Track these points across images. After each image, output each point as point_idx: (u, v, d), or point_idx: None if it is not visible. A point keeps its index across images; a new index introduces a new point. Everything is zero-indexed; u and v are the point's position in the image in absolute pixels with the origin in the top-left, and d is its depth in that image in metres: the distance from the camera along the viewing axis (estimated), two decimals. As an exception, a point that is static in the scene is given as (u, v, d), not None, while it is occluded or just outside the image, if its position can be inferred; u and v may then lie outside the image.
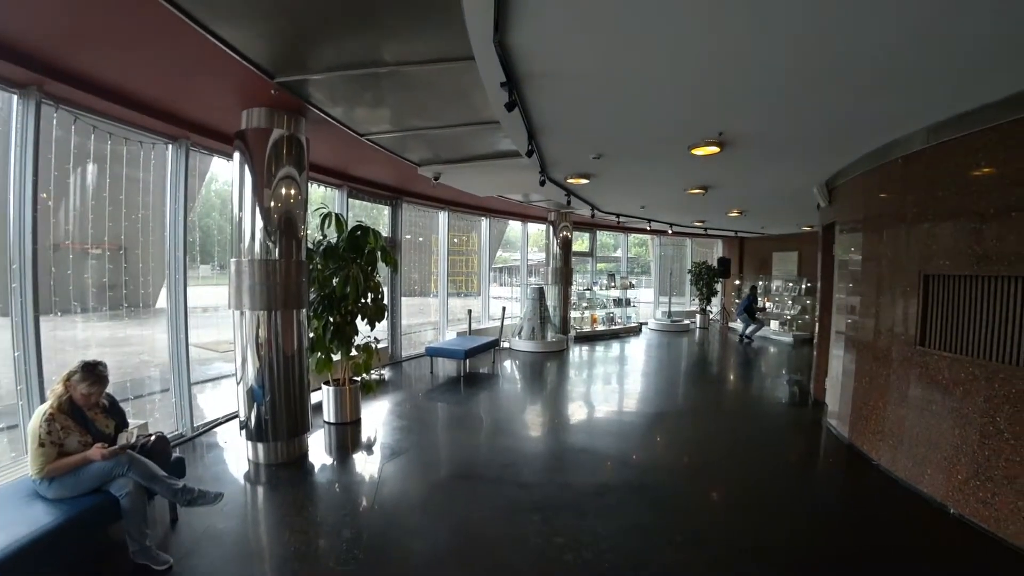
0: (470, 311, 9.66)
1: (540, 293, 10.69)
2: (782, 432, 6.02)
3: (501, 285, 15.24)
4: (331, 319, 5.18)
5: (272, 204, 4.22)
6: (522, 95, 3.53)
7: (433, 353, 8.00)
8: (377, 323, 5.62)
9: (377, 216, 8.76)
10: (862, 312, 5.25)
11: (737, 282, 15.26)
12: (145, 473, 2.93)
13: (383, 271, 6.54)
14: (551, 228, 11.52)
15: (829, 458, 5.16)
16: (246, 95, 3.96)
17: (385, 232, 8.17)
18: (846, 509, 4.10)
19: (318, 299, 5.12)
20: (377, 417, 5.74)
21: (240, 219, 4.24)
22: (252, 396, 4.30)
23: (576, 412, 6.35)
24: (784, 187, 6.94)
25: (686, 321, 14.61)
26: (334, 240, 5.30)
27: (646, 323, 14.72)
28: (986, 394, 3.69)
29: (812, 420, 6.28)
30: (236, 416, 4.68)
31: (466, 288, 12.28)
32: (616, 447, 5.11)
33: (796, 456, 5.29)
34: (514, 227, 12.93)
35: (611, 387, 7.88)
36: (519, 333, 10.71)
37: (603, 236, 15.89)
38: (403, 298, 8.77)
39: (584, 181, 6.49)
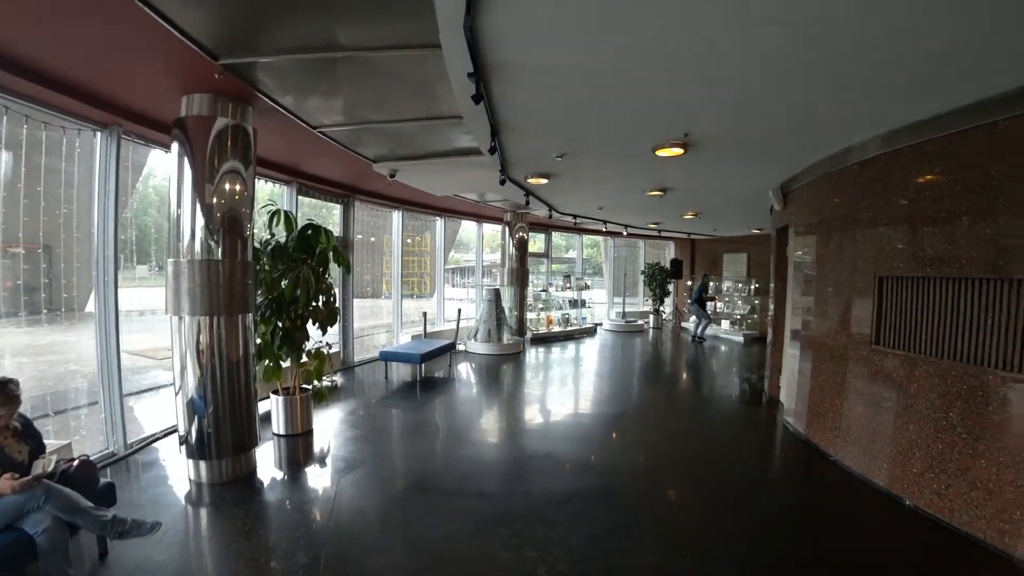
0: (425, 314, 9.38)
1: (496, 295, 10.53)
2: (740, 430, 6.12)
3: (453, 286, 14.97)
4: (280, 324, 4.83)
5: (215, 200, 3.86)
6: (488, 88, 3.36)
7: (387, 357, 7.69)
8: (329, 327, 5.30)
9: (327, 215, 8.36)
10: (817, 312, 5.39)
11: (689, 283, 15.60)
12: (66, 506, 2.55)
13: (335, 272, 6.23)
14: (507, 229, 11.38)
15: (788, 455, 5.26)
16: (187, 78, 3.58)
17: (337, 232, 7.79)
18: (808, 504, 4.17)
19: (266, 302, 4.77)
20: (330, 427, 5.41)
21: (179, 216, 3.84)
22: (193, 409, 3.91)
23: (535, 416, 6.22)
24: (741, 190, 7.08)
25: (640, 322, 14.82)
26: (283, 239, 4.96)
27: (601, 324, 14.83)
28: (940, 390, 3.82)
29: (769, 418, 6.42)
30: (175, 431, 4.27)
31: (419, 289, 11.98)
32: (578, 451, 5.02)
33: (756, 454, 5.37)
34: (467, 227, 12.74)
35: (569, 389, 7.81)
36: (475, 335, 10.52)
37: (556, 237, 15.93)
38: (355, 300, 8.40)
39: (544, 181, 6.39)
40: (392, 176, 6.02)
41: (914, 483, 3.98)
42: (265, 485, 4.06)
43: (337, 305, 5.51)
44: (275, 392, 5.11)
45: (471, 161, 5.63)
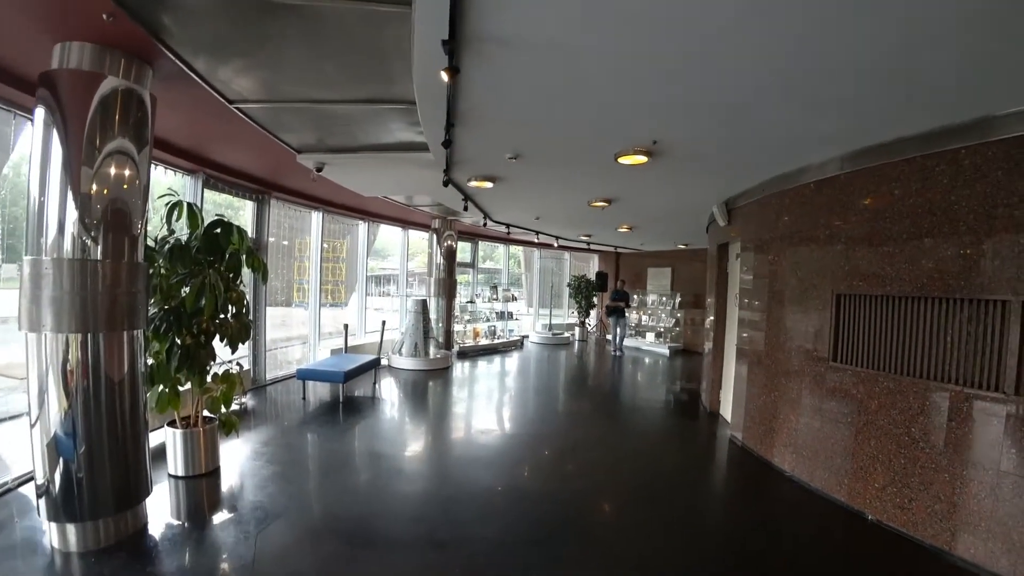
0: (346, 326, 8.53)
1: (423, 306, 9.86)
2: (688, 448, 6.00)
3: (368, 295, 13.87)
4: (179, 340, 3.94)
5: (95, 188, 2.97)
6: (459, 63, 2.84)
7: (306, 376, 6.79)
8: (241, 344, 4.45)
9: (233, 216, 7.29)
10: (769, 329, 5.39)
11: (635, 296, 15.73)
12: None
13: (247, 278, 5.33)
14: (435, 236, 10.76)
15: (741, 471, 5.15)
16: (62, 18, 2.73)
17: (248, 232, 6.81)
18: (768, 521, 4.07)
19: (161, 314, 3.86)
20: (242, 463, 4.51)
21: (41, 204, 2.92)
22: (56, 449, 2.98)
23: (477, 441, 5.67)
24: (685, 204, 7.03)
25: (567, 334, 14.69)
26: (185, 238, 4.09)
27: (527, 336, 14.52)
28: (901, 406, 3.86)
29: (712, 432, 6.39)
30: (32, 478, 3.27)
31: (332, 298, 11.02)
32: (532, 481, 4.58)
33: (709, 472, 5.25)
34: (385, 233, 11.89)
35: (507, 410, 7.33)
36: (400, 349, 9.76)
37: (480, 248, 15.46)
38: (267, 310, 7.42)
39: (489, 185, 5.91)
40: (319, 170, 5.25)
41: (876, 498, 3.99)
42: (159, 549, 3.15)
43: (250, 317, 4.67)
44: (171, 424, 4.18)
45: (413, 158, 5.04)
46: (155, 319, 3.80)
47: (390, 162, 5.20)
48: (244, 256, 4.33)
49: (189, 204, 4.08)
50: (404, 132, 4.55)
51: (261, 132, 4.43)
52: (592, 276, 16.06)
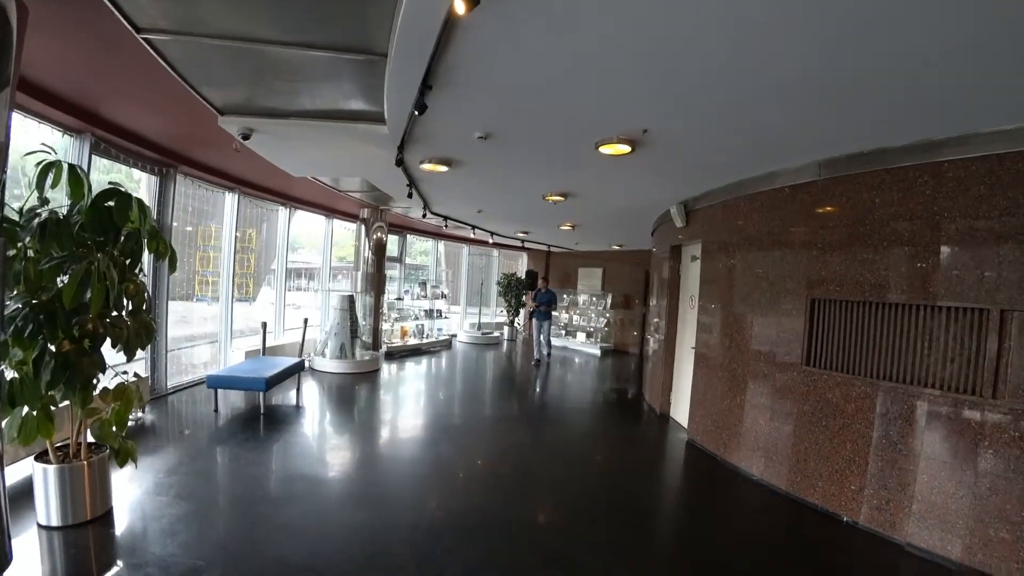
0: (264, 324, 7.46)
1: (350, 303, 8.94)
2: (646, 452, 5.83)
3: (271, 287, 12.39)
4: (53, 347, 2.97)
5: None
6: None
7: (219, 384, 5.74)
8: (140, 349, 3.50)
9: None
10: (734, 331, 5.32)
11: (564, 295, 15.45)
12: None
13: (145, 266, 4.31)
14: (363, 227, 9.84)
15: (706, 476, 5.00)
16: None
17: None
18: (743, 525, 4.01)
19: (26, 311, 2.87)
20: (142, 501, 3.54)
21: None
22: None
23: (427, 458, 5.04)
24: (640, 203, 6.83)
25: (495, 333, 14.22)
26: (66, 211, 3.10)
27: (455, 335, 13.88)
28: (879, 410, 3.85)
29: (667, 436, 6.25)
30: None
31: (240, 292, 9.76)
32: (497, 502, 4.06)
33: (672, 478, 5.10)
34: (299, 223, 10.72)
35: (449, 418, 6.71)
36: (323, 350, 8.79)
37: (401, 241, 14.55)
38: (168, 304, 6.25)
39: (442, 169, 5.27)
40: (245, 139, 4.34)
41: (852, 500, 3.98)
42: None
43: (151, 315, 3.71)
44: (41, 456, 3.18)
45: (363, 132, 4.31)
46: (16, 318, 2.81)
47: (334, 134, 4.41)
48: (145, 238, 3.40)
49: (72, 166, 3.11)
50: (357, 97, 3.82)
51: (176, 81, 3.51)
52: (522, 274, 15.73)
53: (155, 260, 3.79)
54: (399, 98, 3.34)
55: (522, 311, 15.20)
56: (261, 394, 5.80)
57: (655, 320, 8.37)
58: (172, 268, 3.85)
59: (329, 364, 8.54)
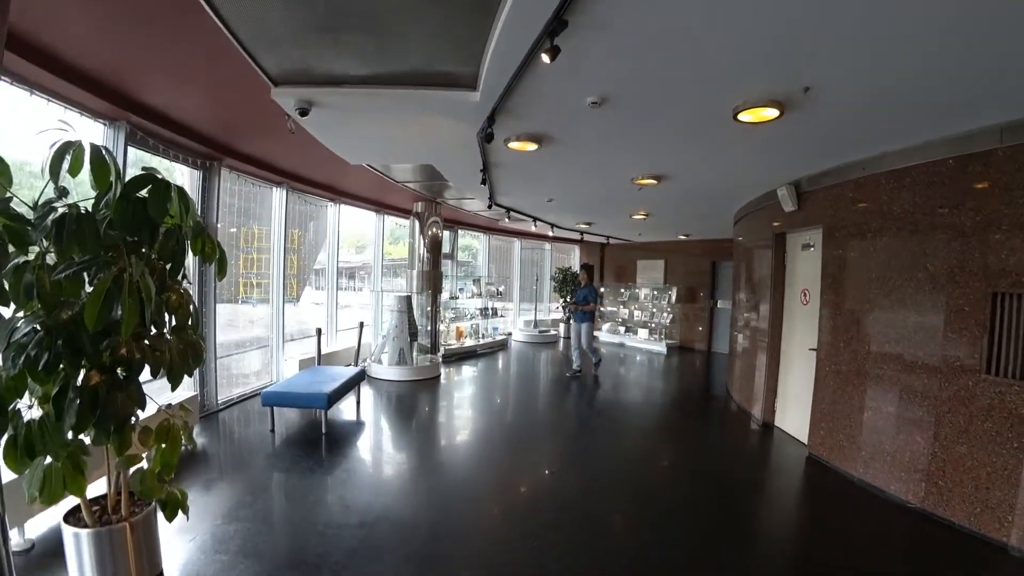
0: (319, 331, 6.83)
1: (408, 304, 8.27)
2: (765, 470, 4.97)
3: (317, 289, 11.82)
4: (77, 380, 2.30)
5: None
6: None
7: (275, 402, 5.12)
8: (187, 375, 2.82)
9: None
10: (873, 333, 4.50)
11: (602, 289, 14.52)
12: None
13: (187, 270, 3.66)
14: (417, 223, 9.14)
15: (840, 501, 4.10)
16: None
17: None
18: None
19: (41, 335, 2.20)
20: (195, 562, 2.89)
21: None
22: None
23: (527, 486, 4.27)
24: (733, 185, 6.03)
25: (552, 331, 13.42)
26: (90, 204, 2.43)
27: (510, 334, 13.13)
28: None
29: (780, 450, 5.36)
30: None
31: (288, 294, 9.25)
32: (623, 545, 3.21)
33: (810, 505, 4.06)
34: (346, 219, 10.13)
35: (532, 431, 5.92)
36: (379, 356, 8.15)
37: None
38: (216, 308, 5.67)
39: (530, 148, 4.46)
40: (303, 114, 3.61)
41: None
42: None
43: (199, 331, 3.03)
44: (71, 516, 2.54)
45: (442, 100, 3.52)
46: (28, 345, 2.14)
47: (407, 104, 3.62)
48: (189, 237, 2.71)
49: (96, 147, 2.42)
50: (444, 53, 3.02)
51: (225, 48, 2.80)
52: (576, 268, 14.86)
53: (201, 263, 3.11)
54: (515, 40, 2.53)
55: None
56: (323, 412, 5.14)
57: (745, 316, 7.44)
58: (221, 273, 3.15)
59: (387, 371, 7.89)
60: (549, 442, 5.44)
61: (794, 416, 5.77)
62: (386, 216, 9.63)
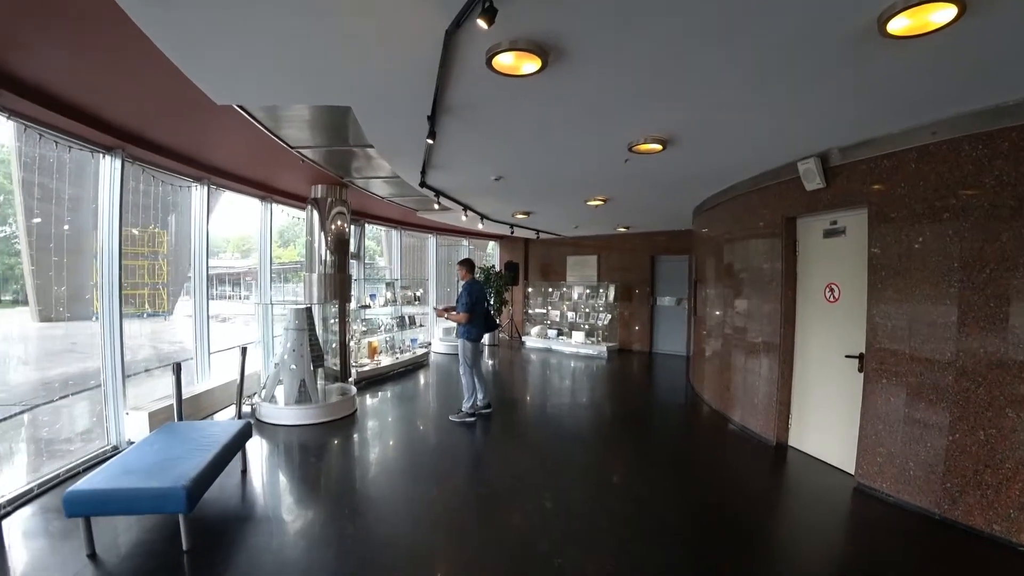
0: (178, 367, 4.57)
1: (308, 318, 6.19)
2: (810, 512, 3.81)
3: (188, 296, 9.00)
4: None
5: None
6: None
7: (90, 509, 2.96)
8: None
9: None
10: (960, 338, 3.52)
11: (531, 290, 13.10)
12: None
13: None
14: (316, 212, 7.06)
15: (928, 547, 2.98)
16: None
17: None
18: None
19: None
20: None
21: None
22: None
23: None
24: (753, 153, 4.70)
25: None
26: None
27: (430, 344, 11.30)
28: None
29: (813, 480, 4.32)
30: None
31: (150, 306, 6.85)
32: None
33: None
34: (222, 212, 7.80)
35: (509, 484, 4.26)
36: (271, 393, 6.00)
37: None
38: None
39: (529, 67, 2.78)
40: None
41: None
42: None
43: None
44: None
45: None
46: None
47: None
48: None
49: None
50: None
51: None
52: (499, 266, 13.40)
53: None
54: None
55: (504, 309, 12.77)
56: (180, 517, 3.07)
57: (722, 316, 6.56)
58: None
59: (284, 413, 5.78)
60: (537, 489, 3.78)
61: (822, 436, 4.82)
62: (275, 204, 7.40)
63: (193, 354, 6.26)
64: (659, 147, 4.25)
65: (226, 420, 4.81)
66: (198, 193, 5.95)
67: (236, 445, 3.92)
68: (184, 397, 4.62)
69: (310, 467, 4.65)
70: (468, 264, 6.34)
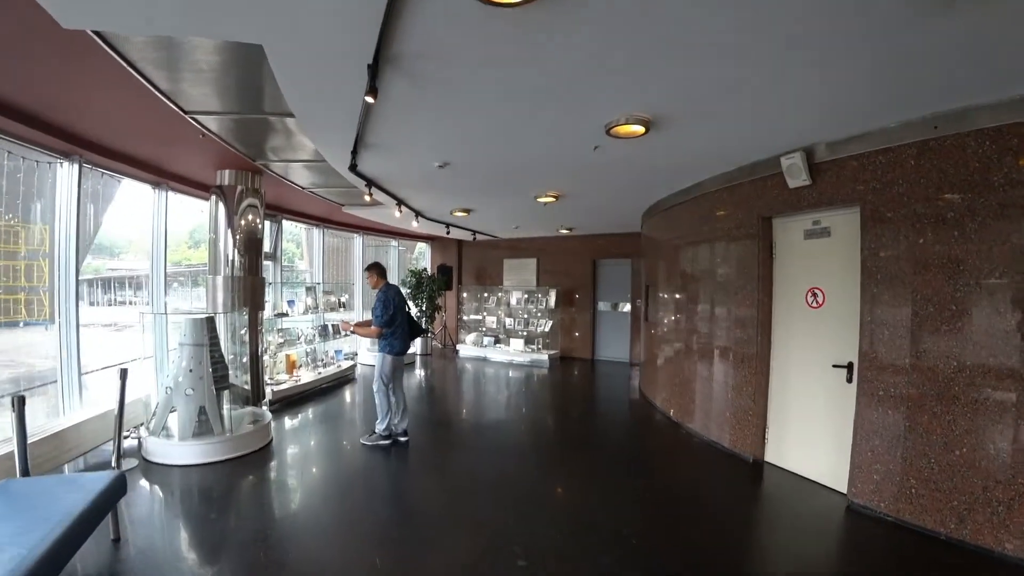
0: (20, 401, 3.38)
1: (210, 330, 5.07)
2: (803, 536, 3.45)
3: (92, 305, 7.35)
4: None
5: None
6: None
7: None
8: None
9: None
10: (969, 347, 3.25)
11: (465, 294, 12.31)
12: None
13: None
14: (222, 204, 5.92)
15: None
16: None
17: None
18: None
19: None
20: None
21: None
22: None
23: None
24: (735, 145, 4.31)
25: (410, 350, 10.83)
26: None
27: (356, 355, 10.21)
28: None
29: (799, 499, 3.98)
30: None
31: (33, 315, 5.42)
32: None
33: None
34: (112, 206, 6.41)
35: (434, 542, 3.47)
36: (162, 424, 4.83)
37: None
38: None
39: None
40: None
41: None
42: None
43: None
44: None
45: None
46: None
47: None
48: None
49: None
50: None
51: None
52: (431, 268, 12.57)
53: None
54: None
55: (438, 316, 11.91)
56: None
57: (679, 321, 6.23)
58: None
59: (180, 451, 4.64)
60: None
61: (804, 452, 4.50)
62: (170, 192, 6.14)
63: (58, 375, 4.95)
64: (642, 129, 3.67)
65: (90, 474, 3.64)
66: (66, 172, 4.69)
67: (102, 508, 2.87)
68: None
69: (209, 525, 3.62)
70: (378, 268, 5.46)
